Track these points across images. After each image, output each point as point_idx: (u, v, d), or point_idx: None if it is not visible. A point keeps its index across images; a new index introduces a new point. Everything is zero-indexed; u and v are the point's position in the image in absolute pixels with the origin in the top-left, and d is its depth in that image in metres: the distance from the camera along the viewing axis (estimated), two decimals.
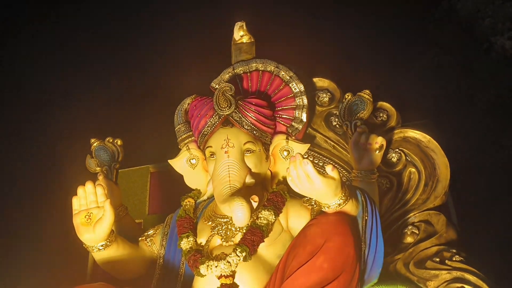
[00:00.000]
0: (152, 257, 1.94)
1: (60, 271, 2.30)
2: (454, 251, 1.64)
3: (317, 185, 1.47)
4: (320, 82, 2.31)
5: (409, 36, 2.94)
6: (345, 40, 2.77)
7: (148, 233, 1.99)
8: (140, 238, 1.98)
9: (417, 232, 1.82)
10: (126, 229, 2.05)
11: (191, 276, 1.78)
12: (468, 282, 1.45)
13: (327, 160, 2.14)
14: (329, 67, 2.57)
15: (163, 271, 1.88)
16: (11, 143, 2.86)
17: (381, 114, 2.16)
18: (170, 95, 2.29)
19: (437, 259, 1.61)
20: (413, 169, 2.04)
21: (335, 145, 2.16)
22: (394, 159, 2.06)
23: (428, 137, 2.08)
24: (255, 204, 1.71)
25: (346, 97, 2.14)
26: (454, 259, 1.59)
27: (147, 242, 1.96)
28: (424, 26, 2.87)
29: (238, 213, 1.64)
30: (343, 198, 1.53)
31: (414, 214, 1.93)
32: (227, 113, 1.88)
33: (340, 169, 2.09)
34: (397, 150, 2.08)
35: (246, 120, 1.89)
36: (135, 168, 3.19)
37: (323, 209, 1.57)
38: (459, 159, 2.11)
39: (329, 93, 2.26)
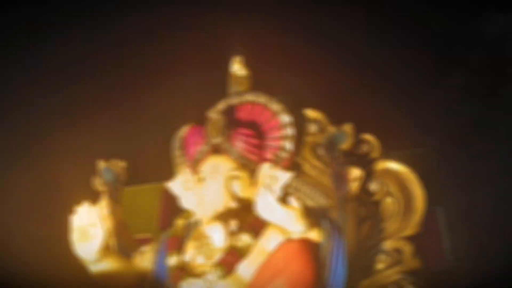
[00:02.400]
0: (144, 272, 2.11)
1: None
2: (409, 279, 1.75)
3: (278, 213, 1.62)
4: (311, 113, 2.47)
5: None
6: (343, 74, 2.88)
7: (142, 250, 2.17)
8: (134, 254, 2.16)
9: (388, 259, 1.94)
10: (124, 245, 2.25)
11: None
12: None
13: (311, 187, 2.29)
14: (324, 97, 2.70)
15: (152, 287, 2.05)
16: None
17: (363, 146, 2.30)
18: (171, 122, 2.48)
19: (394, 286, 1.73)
20: (391, 199, 2.17)
21: (320, 173, 2.31)
22: (374, 189, 2.20)
23: (406, 169, 2.20)
24: (234, 228, 1.87)
25: (330, 130, 2.29)
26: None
27: (141, 258, 2.14)
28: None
29: (217, 234, 1.81)
30: (306, 225, 1.67)
31: (388, 242, 2.05)
32: (217, 141, 2.07)
33: (323, 196, 2.24)
34: (378, 180, 2.21)
35: (234, 149, 2.07)
36: (147, 186, 3.43)
37: (287, 236, 1.72)
38: None
39: (317, 124, 2.41)
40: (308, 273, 1.60)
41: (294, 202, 1.66)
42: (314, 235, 1.72)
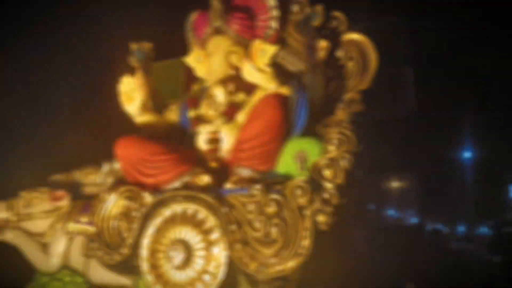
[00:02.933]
0: (173, 122, 2.94)
1: None
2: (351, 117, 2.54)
3: (257, 76, 2.38)
4: None
5: None
6: None
7: (171, 107, 3.00)
8: (165, 110, 2.99)
9: (343, 106, 2.66)
10: (157, 105, 3.05)
11: (196, 133, 2.80)
12: (343, 134, 2.38)
13: (294, 55, 2.96)
14: None
15: (179, 131, 2.91)
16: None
17: (334, 21, 2.91)
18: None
19: (337, 121, 2.52)
20: (352, 63, 2.83)
21: (301, 45, 2.96)
22: (340, 55, 2.86)
23: (366, 38, 2.83)
24: (232, 88, 2.64)
25: (306, 10, 2.90)
26: (345, 121, 2.50)
27: (170, 113, 2.97)
28: None
29: (219, 94, 2.60)
30: (277, 84, 2.44)
31: (347, 95, 2.76)
32: (217, 24, 2.75)
33: (302, 62, 2.93)
34: (344, 48, 2.86)
35: (231, 29, 2.75)
36: (172, 60, 4.20)
37: (265, 91, 2.50)
38: None
39: (299, 5, 3.01)
40: (278, 116, 2.41)
41: (266, 68, 2.38)
42: (284, 90, 2.47)
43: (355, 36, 2.85)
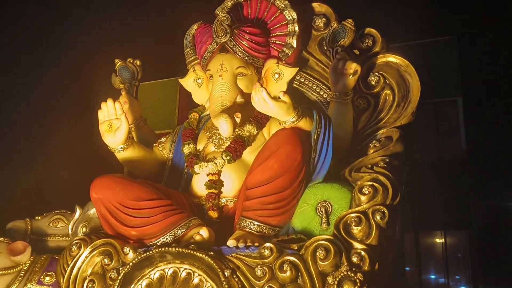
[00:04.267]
0: (163, 160, 2.96)
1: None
2: (387, 160, 2.48)
3: (271, 107, 2.39)
4: (318, 7, 3.11)
5: None
6: None
7: (161, 140, 3.01)
8: (154, 144, 3.00)
9: (377, 145, 2.67)
10: (144, 137, 3.12)
11: (192, 175, 2.81)
12: (378, 181, 2.33)
13: (316, 81, 3.01)
14: None
15: (171, 171, 2.91)
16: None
17: (366, 40, 2.96)
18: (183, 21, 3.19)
19: (369, 165, 2.47)
20: (389, 92, 2.85)
21: (325, 67, 3.01)
22: (373, 82, 2.88)
23: (406, 62, 2.86)
24: (238, 120, 2.66)
25: (332, 25, 2.95)
26: (379, 165, 2.44)
27: (159, 147, 2.98)
28: None
29: (223, 126, 2.61)
30: (295, 117, 2.44)
31: (383, 131, 2.76)
32: (223, 40, 2.77)
33: (325, 89, 2.96)
34: (377, 73, 2.88)
35: (239, 47, 2.78)
36: (165, 80, 4.29)
37: (280, 125, 2.50)
38: None
39: (325, 18, 3.07)
40: (296, 156, 2.38)
41: (283, 97, 2.40)
42: (304, 124, 2.48)
43: (393, 58, 2.90)
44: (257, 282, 2.26)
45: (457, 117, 6.35)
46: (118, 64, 3.21)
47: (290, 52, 2.86)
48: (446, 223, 6.89)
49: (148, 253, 2.41)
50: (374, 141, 2.71)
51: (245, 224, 2.47)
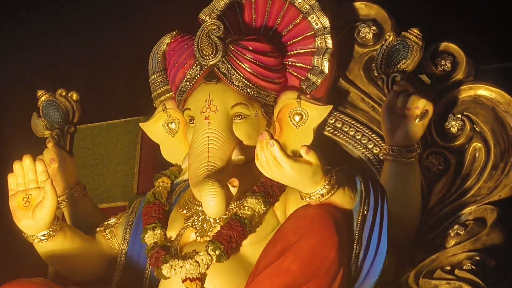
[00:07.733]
0: (112, 254, 2.75)
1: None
2: (478, 258, 2.26)
3: (287, 171, 2.09)
4: (365, 8, 2.91)
5: None
6: None
7: (109, 222, 2.83)
8: (98, 229, 2.81)
9: (462, 233, 2.47)
10: (83, 216, 2.90)
11: (158, 280, 2.51)
12: None
13: (361, 128, 2.77)
14: None
15: (124, 272, 2.68)
16: None
17: (443, 62, 2.71)
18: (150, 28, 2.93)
19: (448, 268, 2.26)
20: (480, 144, 2.64)
21: (376, 105, 2.74)
22: (454, 129, 2.69)
23: (508, 97, 2.67)
24: (234, 190, 2.35)
25: (387, 37, 2.70)
26: (465, 267, 2.22)
27: (106, 233, 2.77)
28: None
29: (210, 201, 2.36)
30: (327, 187, 2.17)
31: (471, 210, 2.54)
32: (211, 63, 2.58)
33: (376, 140, 2.70)
34: (460, 115, 2.70)
35: (237, 73, 2.59)
36: (117, 122, 3.97)
37: (303, 201, 2.25)
38: None
39: (375, 27, 2.87)
40: (328, 250, 2.08)
41: (307, 154, 2.06)
42: (341, 199, 2.18)
43: (486, 91, 2.69)
44: None
45: None
46: (43, 98, 2.97)
47: (320, 80, 2.65)
48: None
49: None
50: (456, 226, 2.50)
51: None
